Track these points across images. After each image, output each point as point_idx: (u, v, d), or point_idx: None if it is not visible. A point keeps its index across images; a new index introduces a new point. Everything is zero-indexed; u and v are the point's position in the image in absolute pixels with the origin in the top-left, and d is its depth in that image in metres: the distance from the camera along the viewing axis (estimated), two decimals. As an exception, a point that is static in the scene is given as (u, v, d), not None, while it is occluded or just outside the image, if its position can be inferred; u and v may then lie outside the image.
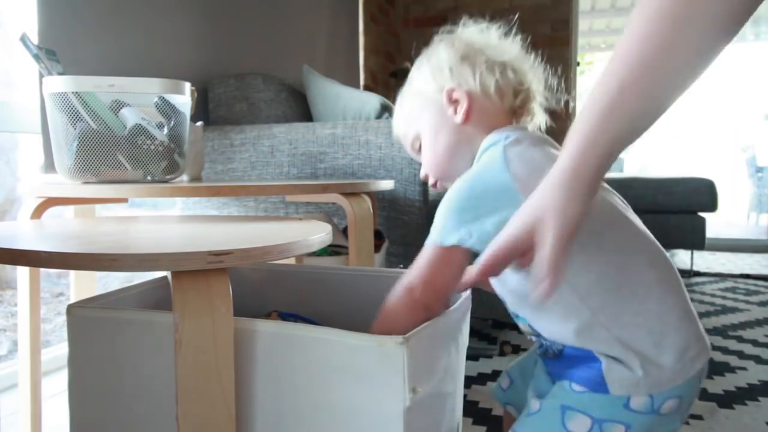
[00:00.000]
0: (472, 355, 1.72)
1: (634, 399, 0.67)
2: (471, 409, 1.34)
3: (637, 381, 0.66)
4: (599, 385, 0.68)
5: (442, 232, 0.71)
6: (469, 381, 1.51)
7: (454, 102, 0.81)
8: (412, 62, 0.92)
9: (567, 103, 0.90)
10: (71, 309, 0.72)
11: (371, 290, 0.93)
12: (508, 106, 0.82)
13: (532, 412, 0.72)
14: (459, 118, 0.80)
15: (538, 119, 0.87)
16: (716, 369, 1.72)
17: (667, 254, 0.72)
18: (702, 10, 0.52)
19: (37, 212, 1.15)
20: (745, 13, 0.53)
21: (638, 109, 0.55)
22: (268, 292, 1.01)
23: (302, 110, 2.15)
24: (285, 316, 0.91)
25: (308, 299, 0.98)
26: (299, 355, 0.64)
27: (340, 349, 0.62)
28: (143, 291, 0.87)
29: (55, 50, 1.24)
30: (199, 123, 1.47)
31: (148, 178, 1.17)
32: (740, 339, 2.04)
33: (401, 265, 1.66)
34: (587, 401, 0.68)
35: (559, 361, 0.73)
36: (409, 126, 0.87)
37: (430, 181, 0.86)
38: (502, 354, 1.73)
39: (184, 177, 1.42)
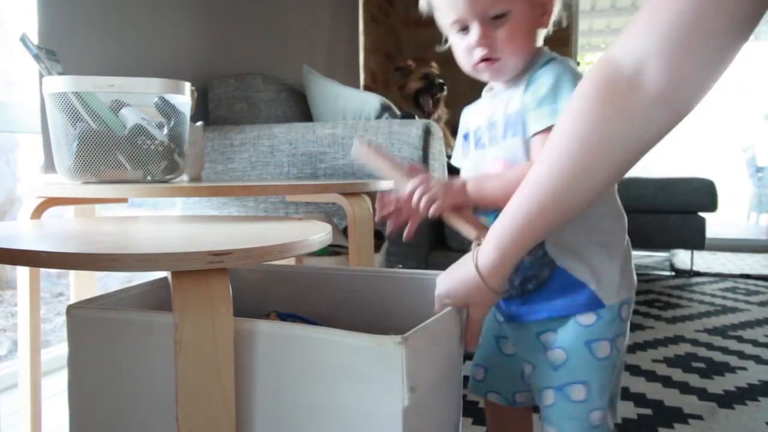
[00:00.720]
0: (471, 355, 1.71)
1: (623, 307, 0.79)
2: (471, 409, 1.34)
3: (618, 285, 0.78)
4: (594, 303, 0.77)
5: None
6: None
7: (543, 5, 0.83)
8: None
9: None
10: (71, 309, 0.72)
11: (370, 290, 0.93)
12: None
13: (559, 363, 0.78)
14: (543, 21, 0.84)
15: None
16: (716, 369, 1.72)
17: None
18: (618, 138, 0.61)
19: (37, 212, 1.15)
20: (661, 137, 0.62)
21: (558, 219, 0.67)
22: (266, 292, 1.01)
23: (302, 110, 2.15)
24: (283, 317, 0.91)
25: (307, 299, 0.98)
26: (298, 355, 0.64)
27: (338, 349, 0.62)
28: (143, 292, 0.86)
29: (55, 50, 1.24)
30: (199, 123, 1.47)
31: (148, 178, 1.17)
32: (740, 339, 2.04)
33: (400, 265, 1.66)
34: (601, 327, 0.77)
35: (539, 294, 0.80)
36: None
37: (489, 60, 0.81)
38: (502, 354, 1.73)
39: (184, 177, 1.42)
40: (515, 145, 0.80)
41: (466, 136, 0.91)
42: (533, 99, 0.79)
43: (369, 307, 0.92)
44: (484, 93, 0.92)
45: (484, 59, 0.81)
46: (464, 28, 0.81)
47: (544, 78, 0.79)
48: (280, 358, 0.65)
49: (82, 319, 0.72)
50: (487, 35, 0.79)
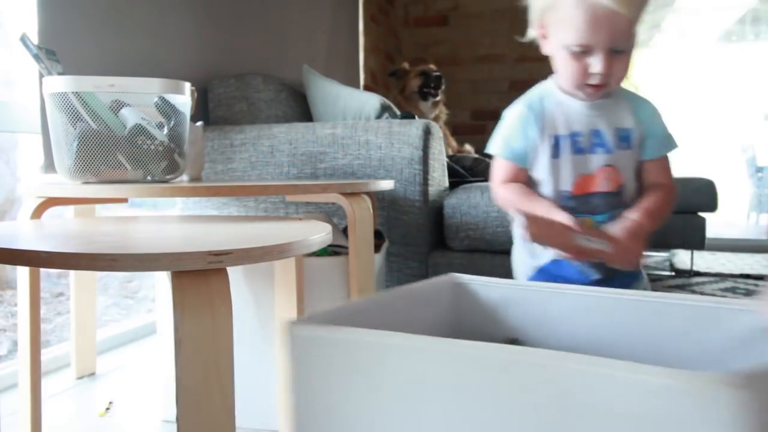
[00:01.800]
0: (472, 355, 1.71)
1: None
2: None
3: None
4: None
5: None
6: (469, 381, 1.52)
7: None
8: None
9: None
10: (293, 327, 0.60)
11: (639, 316, 0.73)
12: None
13: None
14: None
15: None
16: (716, 369, 1.72)
17: None
18: None
19: (37, 212, 1.15)
20: None
21: None
22: (502, 312, 0.84)
23: (302, 110, 2.15)
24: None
25: (556, 324, 0.78)
26: (568, 395, 0.46)
27: (634, 389, 0.44)
28: (381, 304, 0.75)
29: (55, 50, 1.24)
30: (199, 123, 1.47)
31: (148, 178, 1.17)
32: (740, 339, 2.03)
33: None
34: None
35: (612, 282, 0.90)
36: (635, 24, 0.87)
37: (600, 86, 0.90)
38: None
39: (184, 177, 1.42)
40: (627, 156, 0.95)
41: (557, 138, 0.95)
42: (652, 127, 0.96)
43: (640, 337, 0.72)
44: (569, 99, 0.96)
45: (597, 85, 0.89)
46: (584, 52, 0.87)
47: (655, 111, 0.96)
48: (545, 396, 0.48)
49: (305, 338, 0.60)
50: (609, 66, 0.87)
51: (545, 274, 0.96)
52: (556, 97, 0.96)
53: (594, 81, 0.89)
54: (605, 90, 0.91)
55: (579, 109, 0.95)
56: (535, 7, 0.93)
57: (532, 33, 0.97)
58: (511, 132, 0.97)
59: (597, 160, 0.94)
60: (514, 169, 0.97)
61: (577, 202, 0.94)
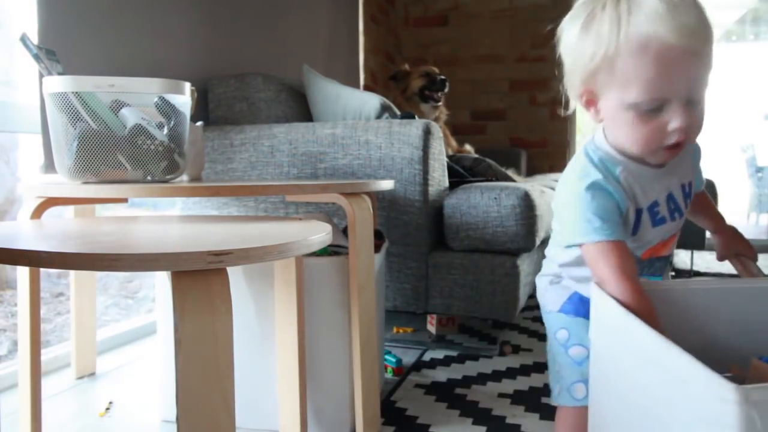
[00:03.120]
0: (471, 355, 1.72)
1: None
2: (471, 409, 1.34)
3: None
4: None
5: None
6: (469, 381, 1.52)
7: None
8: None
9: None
10: (749, 394, 0.43)
11: None
12: None
13: None
14: None
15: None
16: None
17: None
18: None
19: (37, 212, 1.15)
20: None
21: None
22: (708, 314, 0.77)
23: (302, 110, 2.15)
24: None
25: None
26: None
27: None
28: None
29: (55, 50, 1.24)
30: (199, 123, 1.47)
31: (148, 178, 1.17)
32: (740, 339, 2.03)
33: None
34: None
35: None
36: (712, 60, 0.74)
37: (684, 145, 0.76)
38: (501, 354, 1.73)
39: (184, 177, 1.42)
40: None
41: (639, 213, 0.82)
42: (698, 166, 0.92)
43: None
44: (638, 166, 0.82)
45: (676, 144, 0.74)
46: (657, 108, 0.73)
47: (700, 149, 0.92)
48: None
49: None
50: (690, 118, 0.73)
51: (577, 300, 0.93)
52: (623, 164, 0.81)
53: (673, 140, 0.73)
54: (685, 147, 0.76)
55: (653, 176, 0.82)
56: (579, 70, 0.79)
57: (573, 102, 0.83)
58: (605, 208, 0.78)
59: (672, 228, 0.86)
60: (625, 248, 0.77)
61: (642, 265, 0.86)
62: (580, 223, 0.77)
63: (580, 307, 0.91)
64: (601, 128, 0.83)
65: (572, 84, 0.81)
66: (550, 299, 0.96)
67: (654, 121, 0.73)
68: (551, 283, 0.96)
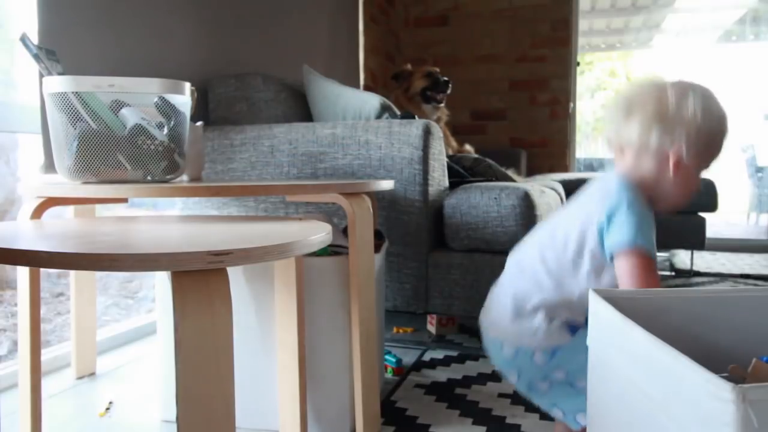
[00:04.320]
0: (471, 355, 1.72)
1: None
2: (471, 409, 1.35)
3: None
4: None
5: None
6: (469, 381, 1.52)
7: None
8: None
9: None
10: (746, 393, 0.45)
11: None
12: None
13: None
14: None
15: None
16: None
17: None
18: None
19: (37, 212, 1.15)
20: None
21: None
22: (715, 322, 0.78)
23: (302, 110, 2.15)
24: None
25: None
26: None
27: None
28: None
29: (55, 50, 1.24)
30: (199, 123, 1.47)
31: (148, 178, 1.18)
32: (740, 339, 2.03)
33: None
34: None
35: None
36: None
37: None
38: (502, 354, 1.73)
39: (184, 177, 1.42)
40: None
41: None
42: None
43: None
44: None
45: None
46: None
47: None
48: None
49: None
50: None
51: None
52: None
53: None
54: None
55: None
56: (693, 141, 0.94)
57: (656, 164, 0.97)
58: (649, 227, 0.92)
59: None
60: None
61: None
62: (635, 229, 0.90)
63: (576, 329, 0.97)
64: (626, 177, 0.98)
65: (665, 148, 0.96)
66: (555, 339, 0.97)
67: (699, 179, 0.98)
68: (548, 326, 0.98)
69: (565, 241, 0.95)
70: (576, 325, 0.96)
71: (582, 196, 1.00)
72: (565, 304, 0.96)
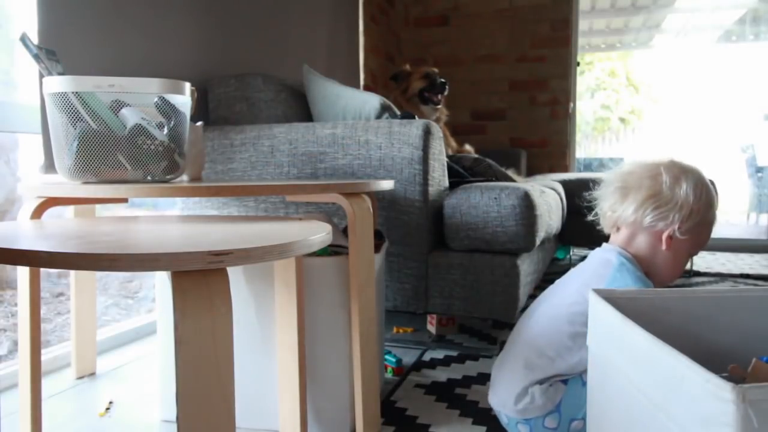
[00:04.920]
0: (471, 355, 1.72)
1: None
2: (471, 409, 1.35)
3: None
4: None
5: None
6: (469, 381, 1.52)
7: None
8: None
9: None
10: (747, 393, 0.45)
11: None
12: None
13: None
14: None
15: None
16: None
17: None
18: None
19: (37, 212, 1.15)
20: None
21: None
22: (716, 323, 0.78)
23: (302, 110, 2.15)
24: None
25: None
26: None
27: None
28: None
29: (55, 50, 1.24)
30: (199, 123, 1.47)
31: (148, 178, 1.18)
32: (740, 339, 2.03)
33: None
34: None
35: None
36: None
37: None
38: (502, 354, 1.73)
39: (184, 177, 1.42)
40: None
41: None
42: None
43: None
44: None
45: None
46: None
47: None
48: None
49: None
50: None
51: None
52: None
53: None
54: None
55: None
56: (685, 220, 1.06)
57: (650, 240, 1.09)
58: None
59: None
60: None
61: None
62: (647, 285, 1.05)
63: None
64: (624, 253, 1.10)
65: (667, 222, 1.07)
66: (554, 397, 1.07)
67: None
68: (543, 393, 1.08)
69: (559, 323, 1.07)
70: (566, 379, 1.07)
71: (576, 274, 1.14)
72: (559, 374, 1.06)
